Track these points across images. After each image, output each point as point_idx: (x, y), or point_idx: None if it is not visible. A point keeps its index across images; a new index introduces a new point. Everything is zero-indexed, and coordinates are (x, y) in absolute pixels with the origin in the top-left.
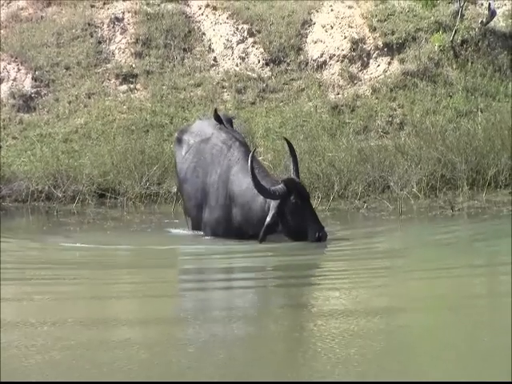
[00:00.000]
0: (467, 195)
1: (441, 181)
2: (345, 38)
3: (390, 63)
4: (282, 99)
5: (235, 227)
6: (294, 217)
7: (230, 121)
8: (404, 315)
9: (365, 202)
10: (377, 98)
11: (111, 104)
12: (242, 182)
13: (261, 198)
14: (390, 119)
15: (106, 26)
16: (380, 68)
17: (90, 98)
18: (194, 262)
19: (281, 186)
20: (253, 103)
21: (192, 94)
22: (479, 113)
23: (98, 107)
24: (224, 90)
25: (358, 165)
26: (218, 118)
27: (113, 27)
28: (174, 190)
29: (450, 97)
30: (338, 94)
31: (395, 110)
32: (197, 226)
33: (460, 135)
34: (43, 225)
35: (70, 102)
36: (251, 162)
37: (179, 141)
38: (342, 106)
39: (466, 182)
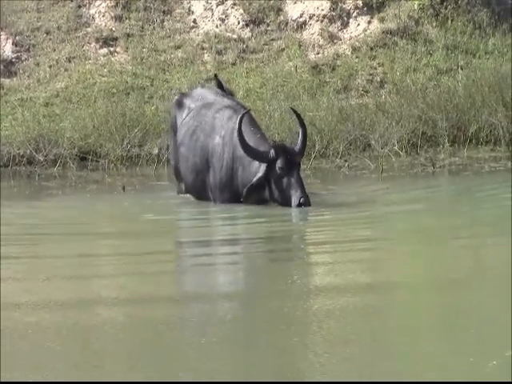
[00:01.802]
0: (448, 152)
1: (422, 138)
2: None
3: (369, 22)
4: (263, 60)
5: (240, 190)
6: (279, 182)
7: (229, 91)
8: (392, 291)
9: (346, 161)
10: (357, 57)
11: (92, 67)
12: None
13: (256, 162)
14: (371, 78)
15: None
16: (360, 27)
17: (70, 61)
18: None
19: (270, 149)
20: (233, 64)
21: (172, 56)
22: (459, 70)
23: (79, 71)
24: (204, 51)
25: (339, 124)
26: (219, 84)
27: None
28: (156, 151)
29: (430, 55)
30: (318, 53)
31: (375, 68)
32: (191, 189)
33: (440, 92)
34: (25, 189)
35: (50, 67)
36: (240, 120)
37: (179, 104)
38: (322, 65)
39: (447, 139)
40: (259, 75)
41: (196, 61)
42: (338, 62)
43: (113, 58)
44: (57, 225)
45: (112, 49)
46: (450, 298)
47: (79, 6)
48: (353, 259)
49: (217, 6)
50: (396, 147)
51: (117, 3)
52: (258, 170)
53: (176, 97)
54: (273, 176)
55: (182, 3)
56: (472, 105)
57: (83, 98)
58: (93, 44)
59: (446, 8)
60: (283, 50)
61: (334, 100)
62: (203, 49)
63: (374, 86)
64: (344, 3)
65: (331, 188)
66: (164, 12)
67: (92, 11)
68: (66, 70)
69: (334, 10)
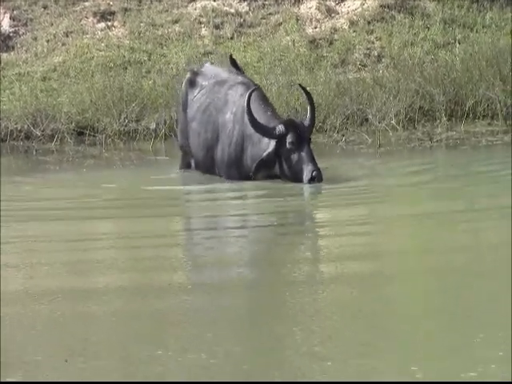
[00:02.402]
0: (445, 126)
1: (419, 112)
2: None
3: None
4: (260, 34)
5: (248, 167)
6: (289, 157)
7: (242, 70)
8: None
9: (343, 135)
10: (354, 31)
11: (89, 42)
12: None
13: (266, 140)
14: (368, 52)
15: None
16: (357, 1)
17: (67, 36)
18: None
19: (279, 125)
20: (230, 38)
21: (170, 30)
22: (457, 44)
23: (76, 45)
24: (201, 25)
25: (337, 98)
26: (234, 63)
27: None
28: (153, 126)
29: (428, 29)
30: (316, 27)
31: (373, 42)
32: (202, 166)
33: (438, 67)
34: (22, 164)
35: (48, 41)
36: (248, 97)
37: (192, 82)
38: (319, 39)
39: (445, 114)
40: (256, 49)
41: (193, 35)
42: (336, 37)
43: (110, 33)
44: (54, 201)
45: (109, 23)
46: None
47: None
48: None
49: None
50: (393, 121)
51: None
52: (268, 146)
53: (188, 75)
54: (283, 152)
55: None
56: (469, 79)
57: (81, 73)
58: (90, 18)
59: None
60: (280, 24)
61: (331, 74)
62: (201, 23)
63: (371, 61)
64: None
65: (330, 162)
66: None
67: None
68: (63, 44)
69: None
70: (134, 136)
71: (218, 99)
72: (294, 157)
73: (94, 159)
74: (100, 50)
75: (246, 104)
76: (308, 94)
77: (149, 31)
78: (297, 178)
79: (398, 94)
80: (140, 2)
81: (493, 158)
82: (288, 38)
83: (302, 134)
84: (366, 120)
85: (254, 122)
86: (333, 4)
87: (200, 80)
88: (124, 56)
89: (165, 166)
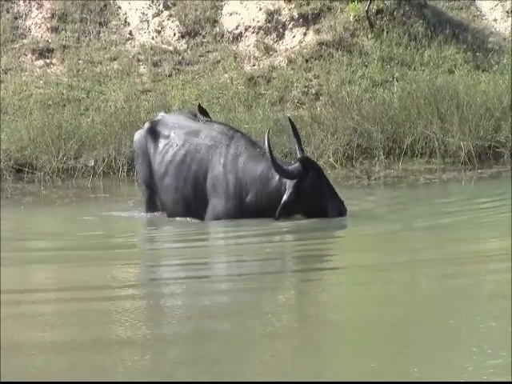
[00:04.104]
0: (384, 164)
1: (357, 150)
2: (260, 9)
3: (305, 34)
4: (198, 71)
5: (251, 216)
6: (313, 194)
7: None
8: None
9: None
10: (292, 69)
11: (28, 79)
12: (254, 169)
13: (275, 181)
14: (306, 90)
15: (21, 1)
16: (295, 39)
17: (6, 73)
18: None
19: (297, 165)
20: (169, 76)
21: (108, 67)
22: (395, 82)
23: (15, 82)
24: (140, 63)
25: (274, 136)
26: (202, 111)
27: (29, 2)
28: (91, 164)
29: (366, 66)
30: (254, 65)
31: (311, 80)
32: (174, 216)
33: (376, 104)
34: None
35: None
36: (268, 142)
37: (153, 132)
38: (257, 77)
39: (383, 151)
40: (195, 87)
41: (132, 73)
42: (274, 74)
43: (49, 70)
44: None
45: (48, 60)
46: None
47: (15, 18)
48: None
49: (153, 18)
50: (331, 159)
51: (53, 14)
52: (280, 187)
53: (146, 125)
54: (305, 189)
55: (117, 15)
56: (407, 117)
57: (19, 110)
58: (29, 55)
59: (381, 19)
60: (219, 61)
61: (269, 112)
62: (139, 60)
63: (309, 98)
64: (280, 15)
65: None
66: (100, 23)
67: (28, 23)
68: (1, 81)
69: (269, 21)
70: (72, 173)
71: (196, 151)
72: (317, 192)
73: (33, 196)
74: (38, 88)
75: (268, 150)
76: (294, 127)
77: (87, 69)
78: (321, 213)
79: (336, 131)
80: (78, 40)
81: (431, 197)
82: (226, 75)
83: (319, 169)
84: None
85: (277, 166)
86: (271, 42)
87: (161, 130)
88: (62, 93)
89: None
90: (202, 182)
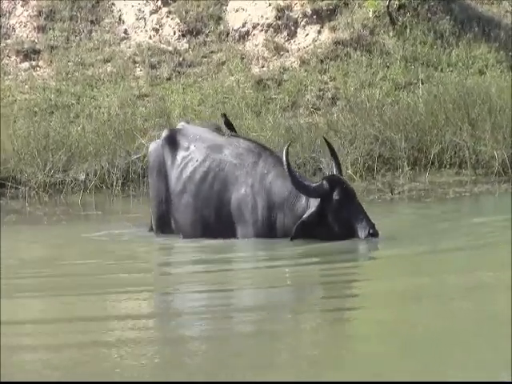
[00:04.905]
0: (408, 176)
1: (379, 161)
2: (269, 5)
3: (319, 32)
4: (201, 74)
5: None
6: (338, 215)
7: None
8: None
9: None
10: (306, 71)
11: (11, 83)
12: (283, 188)
13: (303, 200)
14: (321, 94)
15: None
16: (309, 37)
17: None
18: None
19: (322, 182)
20: (168, 79)
21: (101, 70)
22: (420, 84)
23: None
24: (136, 65)
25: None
26: (228, 123)
27: None
28: (82, 177)
29: (388, 67)
30: (263, 66)
31: (326, 83)
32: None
33: (399, 110)
34: None
35: None
36: (286, 155)
37: (172, 142)
38: (267, 80)
39: (407, 162)
40: (197, 91)
41: (127, 76)
42: (285, 77)
43: (35, 73)
44: None
45: (34, 63)
46: None
47: None
48: None
49: (150, 15)
50: (350, 171)
51: (40, 12)
52: (306, 208)
53: (165, 133)
54: (330, 209)
55: (111, 12)
56: (434, 123)
57: (2, 118)
58: (13, 57)
59: (403, 16)
60: (224, 63)
61: (280, 119)
62: (135, 62)
63: (324, 103)
64: (291, 11)
65: None
66: (92, 22)
67: (12, 21)
68: None
69: (279, 18)
70: (60, 188)
71: (220, 169)
72: (344, 213)
73: (17, 214)
74: (23, 93)
75: (285, 164)
76: (330, 146)
77: (77, 71)
78: (349, 235)
79: (355, 140)
80: (68, 40)
81: (461, 214)
82: (232, 78)
83: (347, 189)
84: (320, 169)
85: (297, 182)
86: (282, 41)
87: (182, 141)
88: (50, 99)
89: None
90: (225, 203)
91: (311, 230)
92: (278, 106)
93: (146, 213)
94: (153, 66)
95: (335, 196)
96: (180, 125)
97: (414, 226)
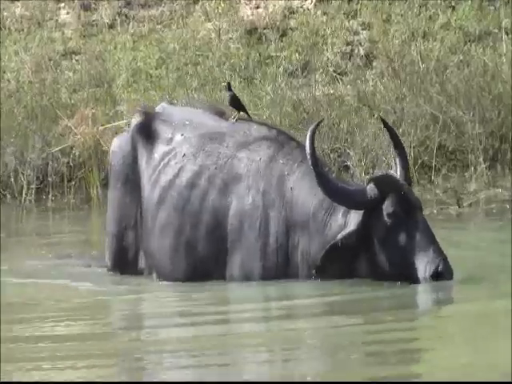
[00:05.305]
0: (485, 179)
1: (439, 155)
2: None
3: None
4: (161, 18)
5: (301, 276)
6: (390, 239)
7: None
8: None
9: None
10: (325, 14)
11: None
12: (309, 198)
13: (339, 215)
14: (349, 50)
15: None
16: None
17: None
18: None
19: (369, 186)
20: (110, 27)
21: (6, 13)
22: (503, 35)
23: None
24: (61, 4)
25: (294, 129)
26: (234, 101)
27: None
28: None
29: (453, 8)
30: (258, 7)
31: (357, 33)
32: (170, 277)
33: (471, 75)
34: None
35: None
36: (311, 142)
37: (147, 132)
38: (264, 28)
39: (483, 157)
40: (155, 46)
41: (46, 22)
42: (292, 23)
43: None
44: None
45: None
46: None
47: None
48: None
49: None
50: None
51: None
52: (344, 226)
53: (138, 118)
54: (377, 229)
55: None
56: None
57: None
58: None
59: None
60: (196, 1)
61: (284, 89)
62: (59, 0)
63: (353, 65)
64: None
65: None
66: None
67: None
68: None
69: None
70: None
71: (219, 169)
72: (399, 237)
73: None
74: None
75: (309, 149)
76: (394, 134)
77: None
78: (403, 274)
79: (402, 122)
80: None
81: None
82: (209, 24)
83: (409, 198)
84: (346, 168)
85: (328, 184)
86: None
87: (162, 130)
88: None
89: None
90: (222, 219)
91: (346, 260)
92: (282, 70)
93: (78, 235)
94: (86, 7)
95: (388, 208)
96: (159, 107)
97: (496, 262)
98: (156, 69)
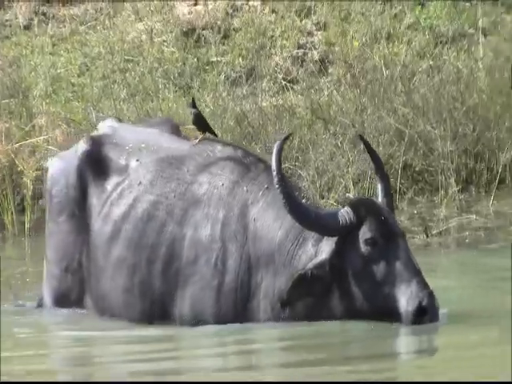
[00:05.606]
0: (457, 203)
1: (404, 176)
2: None
3: None
4: (85, 18)
5: (256, 315)
6: (368, 270)
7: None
8: None
9: None
10: (274, 12)
11: None
12: (274, 229)
13: (309, 245)
14: (301, 54)
15: None
16: None
17: None
18: None
19: (346, 209)
20: (26, 28)
21: None
22: (480, 36)
23: None
24: None
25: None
26: (198, 119)
27: None
28: None
29: (422, 5)
30: (196, 4)
31: (311, 34)
32: (123, 320)
33: (442, 83)
34: None
35: None
36: (277, 159)
37: (97, 160)
38: (202, 28)
39: (455, 177)
40: (77, 49)
41: None
42: (236, 22)
43: None
44: None
45: None
46: None
47: None
48: None
49: None
50: (352, 193)
51: None
52: (314, 256)
53: (85, 144)
54: (352, 258)
55: None
56: (505, 108)
57: None
58: None
59: None
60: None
61: (226, 99)
62: None
63: (306, 71)
64: None
65: None
66: None
67: None
68: None
69: None
70: None
71: (178, 198)
72: (377, 268)
73: None
74: None
75: (275, 167)
76: (374, 155)
77: None
78: (382, 310)
79: (374, 134)
80: None
81: None
82: (141, 25)
83: (388, 224)
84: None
85: (295, 204)
86: None
87: (112, 155)
88: None
89: None
90: (178, 255)
91: (317, 294)
92: (223, 77)
93: None
94: None
95: (365, 234)
96: (107, 126)
97: (474, 296)
98: (79, 76)
